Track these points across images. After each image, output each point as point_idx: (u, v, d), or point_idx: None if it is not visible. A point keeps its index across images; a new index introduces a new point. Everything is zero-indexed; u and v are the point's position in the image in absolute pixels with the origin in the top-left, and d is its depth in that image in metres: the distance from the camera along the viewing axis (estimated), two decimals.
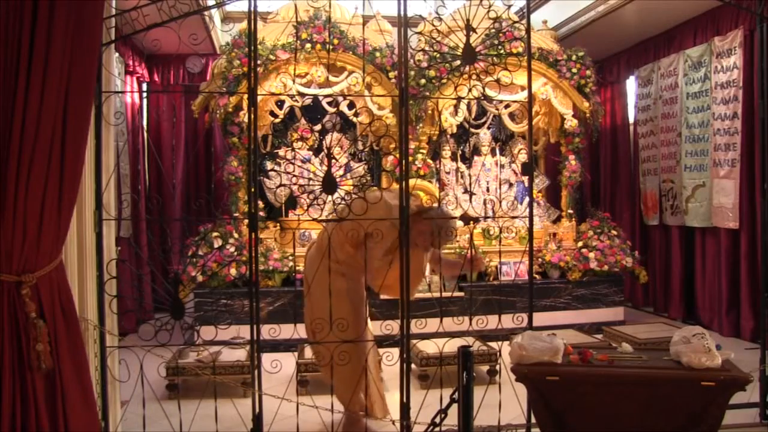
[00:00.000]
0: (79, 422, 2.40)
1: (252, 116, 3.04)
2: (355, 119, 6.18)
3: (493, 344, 4.34)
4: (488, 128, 6.81)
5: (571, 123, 6.30)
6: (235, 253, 5.34)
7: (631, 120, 7.54)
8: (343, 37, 5.63)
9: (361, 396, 3.52)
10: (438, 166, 6.21)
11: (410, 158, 5.78)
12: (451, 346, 3.47)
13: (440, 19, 3.12)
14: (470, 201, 6.29)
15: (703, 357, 2.69)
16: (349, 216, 3.05)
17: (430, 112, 5.95)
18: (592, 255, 6.00)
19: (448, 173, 6.54)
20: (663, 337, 4.64)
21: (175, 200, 7.19)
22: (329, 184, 3.02)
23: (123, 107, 6.02)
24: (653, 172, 6.95)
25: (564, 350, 2.84)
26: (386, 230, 3.15)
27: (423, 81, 5.71)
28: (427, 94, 5.67)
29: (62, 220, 2.39)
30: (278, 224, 5.99)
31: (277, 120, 6.18)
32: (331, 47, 5.51)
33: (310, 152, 6.28)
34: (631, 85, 7.53)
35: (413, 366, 3.97)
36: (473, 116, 6.64)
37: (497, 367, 4.40)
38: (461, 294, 5.66)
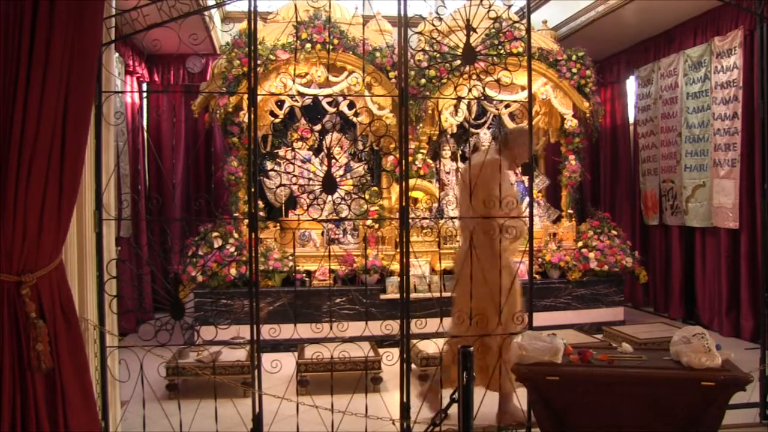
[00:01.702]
0: (79, 422, 2.40)
1: (252, 116, 3.04)
2: (355, 119, 6.17)
3: None
4: (488, 128, 6.81)
5: (571, 123, 6.30)
6: (235, 253, 5.34)
7: (631, 120, 7.54)
8: (343, 37, 5.63)
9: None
10: (438, 165, 6.21)
11: (410, 158, 5.78)
12: None
13: (440, 19, 3.12)
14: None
15: (703, 357, 2.69)
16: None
17: (430, 112, 5.95)
18: (592, 255, 5.99)
19: (448, 173, 6.54)
20: (663, 337, 4.64)
21: (175, 200, 7.19)
22: (329, 184, 3.02)
23: (123, 107, 6.02)
24: (653, 172, 6.95)
25: (564, 350, 2.84)
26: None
27: (423, 81, 5.71)
28: (427, 94, 5.66)
29: (62, 220, 2.39)
30: (278, 224, 5.98)
31: (277, 120, 6.18)
32: (331, 47, 5.51)
33: (310, 152, 6.28)
34: (631, 85, 7.53)
35: (413, 366, 3.97)
36: (473, 116, 6.64)
37: None
38: None
